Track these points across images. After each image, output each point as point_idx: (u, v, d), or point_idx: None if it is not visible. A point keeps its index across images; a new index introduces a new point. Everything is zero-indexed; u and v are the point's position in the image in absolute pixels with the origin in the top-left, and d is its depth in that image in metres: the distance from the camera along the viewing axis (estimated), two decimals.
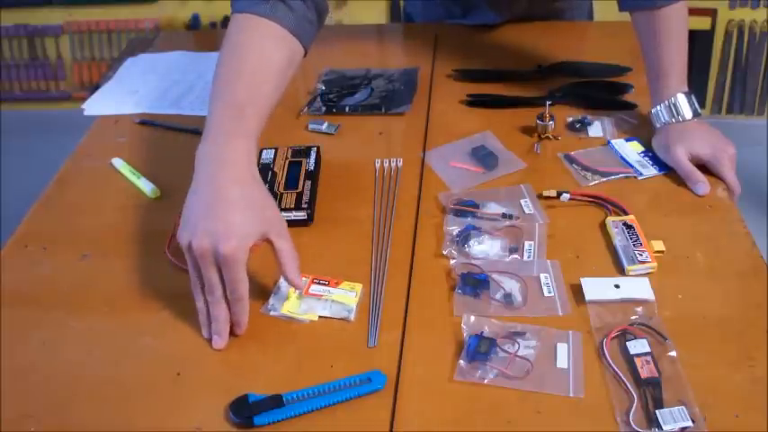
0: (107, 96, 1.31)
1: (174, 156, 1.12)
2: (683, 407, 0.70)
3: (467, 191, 1.00)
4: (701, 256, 0.89)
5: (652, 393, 0.72)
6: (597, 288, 0.83)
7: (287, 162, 1.03)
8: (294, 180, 1.00)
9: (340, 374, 0.75)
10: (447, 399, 0.73)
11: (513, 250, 0.90)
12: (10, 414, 0.74)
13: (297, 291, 0.84)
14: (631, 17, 1.10)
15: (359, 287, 0.86)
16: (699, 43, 2.61)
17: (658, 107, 1.05)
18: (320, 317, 0.83)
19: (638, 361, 0.74)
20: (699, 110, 1.05)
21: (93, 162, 1.12)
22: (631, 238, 0.89)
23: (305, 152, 1.05)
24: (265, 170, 1.01)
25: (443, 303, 0.84)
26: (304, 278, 0.85)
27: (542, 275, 0.86)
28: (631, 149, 1.07)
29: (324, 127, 1.15)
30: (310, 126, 1.16)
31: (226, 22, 2.76)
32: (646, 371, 0.74)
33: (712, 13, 2.58)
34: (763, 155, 2.52)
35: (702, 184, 0.98)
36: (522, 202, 0.97)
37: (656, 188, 1.01)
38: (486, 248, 0.90)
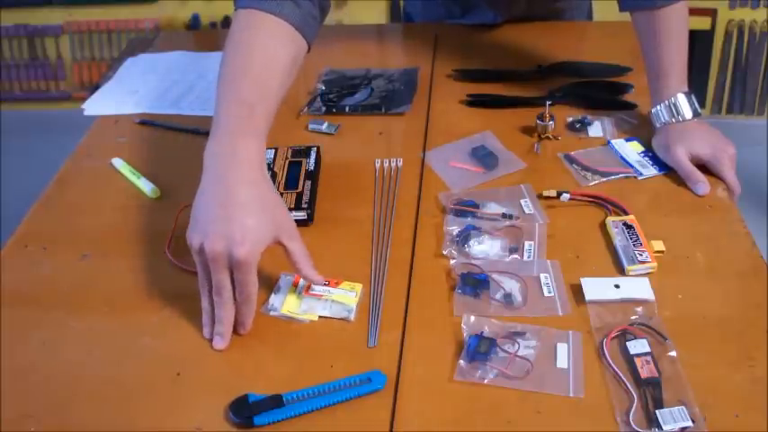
0: (107, 96, 1.31)
1: (174, 156, 1.12)
2: (683, 407, 0.70)
3: (467, 191, 1.00)
4: (700, 256, 0.89)
5: (652, 393, 0.71)
6: (597, 288, 0.83)
7: (287, 162, 1.03)
8: (294, 180, 1.00)
9: (340, 374, 0.75)
10: (447, 399, 0.73)
11: (513, 250, 0.90)
12: (10, 414, 0.74)
13: (308, 287, 0.84)
14: (631, 17, 1.10)
15: (359, 287, 0.85)
16: (699, 43, 2.61)
17: (658, 107, 1.05)
18: (320, 317, 0.83)
19: (638, 361, 0.74)
20: (699, 110, 1.05)
21: (93, 162, 1.12)
22: (631, 238, 0.89)
23: (305, 152, 1.05)
24: None
25: (443, 303, 0.84)
26: (303, 280, 0.85)
27: (542, 275, 0.86)
28: (631, 149, 1.07)
29: (324, 127, 1.15)
30: (310, 126, 1.16)
31: (226, 21, 2.77)
32: (646, 371, 0.73)
33: (712, 13, 2.58)
34: (763, 155, 2.52)
35: (702, 184, 0.98)
36: (522, 202, 0.97)
37: (656, 188, 1.01)
38: (486, 248, 0.90)
